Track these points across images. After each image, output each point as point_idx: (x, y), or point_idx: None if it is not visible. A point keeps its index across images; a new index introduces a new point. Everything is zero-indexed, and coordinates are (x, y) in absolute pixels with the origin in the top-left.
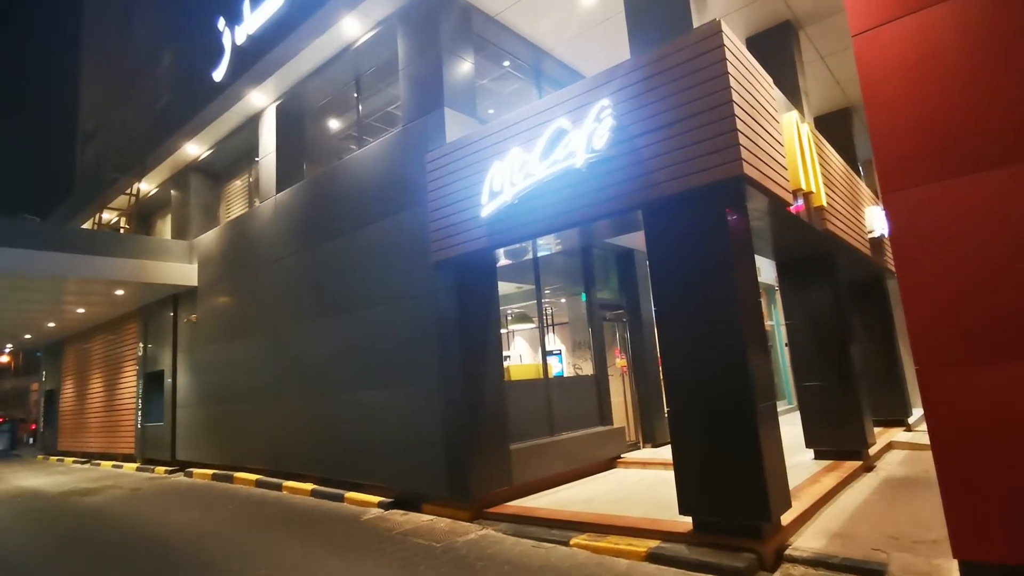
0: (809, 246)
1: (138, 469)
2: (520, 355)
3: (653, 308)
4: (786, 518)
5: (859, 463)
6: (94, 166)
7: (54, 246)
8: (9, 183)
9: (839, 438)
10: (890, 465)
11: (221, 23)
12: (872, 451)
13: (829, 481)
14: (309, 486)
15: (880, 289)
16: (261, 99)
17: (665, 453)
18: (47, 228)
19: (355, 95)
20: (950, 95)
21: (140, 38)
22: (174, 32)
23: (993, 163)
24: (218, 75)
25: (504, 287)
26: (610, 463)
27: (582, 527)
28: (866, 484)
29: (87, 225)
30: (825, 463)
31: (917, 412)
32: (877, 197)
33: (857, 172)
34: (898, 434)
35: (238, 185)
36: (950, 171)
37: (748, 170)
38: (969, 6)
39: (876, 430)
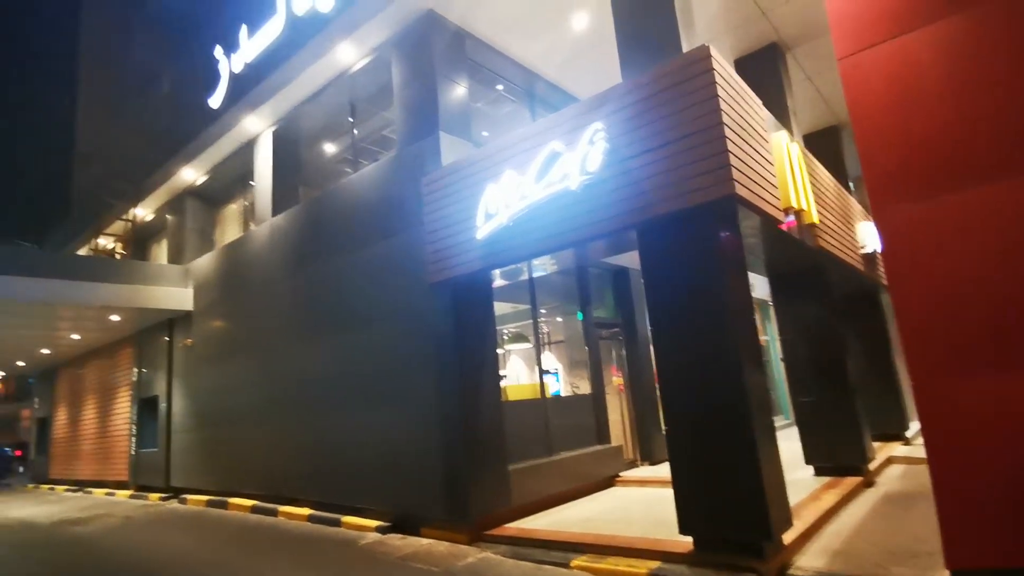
0: (802, 262)
1: (131, 496)
2: (517, 375)
3: (649, 327)
4: (788, 537)
5: (859, 479)
6: (91, 192)
7: (49, 273)
8: (5, 210)
9: (838, 454)
10: (889, 480)
11: (218, 51)
12: (872, 466)
13: (830, 498)
14: (306, 511)
15: (874, 303)
16: (257, 124)
17: (664, 471)
18: (42, 255)
19: (350, 120)
20: (932, 115)
21: (137, 65)
22: (171, 59)
23: (977, 180)
24: (214, 101)
25: (500, 307)
26: (608, 482)
27: (582, 548)
28: (866, 500)
29: (83, 251)
30: (825, 480)
31: (915, 426)
32: (868, 213)
33: (848, 188)
34: (897, 448)
35: (233, 209)
36: (937, 188)
37: (739, 190)
38: (945, 32)
39: (875, 445)
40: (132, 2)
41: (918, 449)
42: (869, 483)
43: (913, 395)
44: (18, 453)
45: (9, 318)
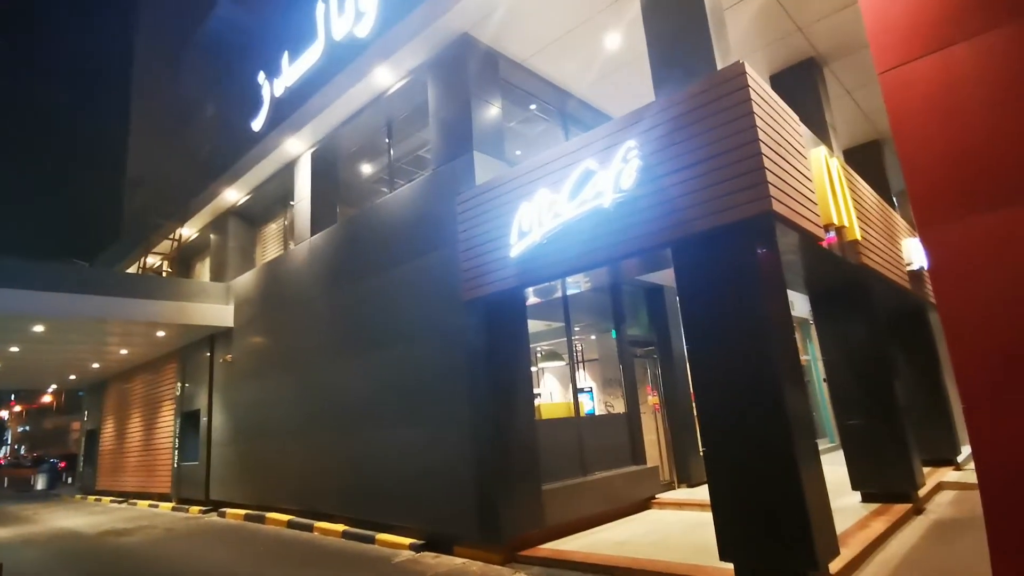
0: (844, 280)
1: (173, 509)
2: (551, 393)
3: (685, 346)
4: (834, 566)
5: (909, 506)
6: (140, 212)
7: (101, 290)
8: (60, 230)
9: (887, 479)
10: (940, 507)
11: (261, 76)
12: (922, 492)
13: (879, 526)
14: (340, 527)
15: (922, 322)
16: (297, 146)
17: (702, 494)
18: (94, 273)
19: (387, 140)
20: (974, 130)
21: (184, 92)
22: (216, 85)
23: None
24: (257, 125)
25: (534, 325)
26: (644, 504)
27: (617, 572)
28: (916, 528)
29: (132, 269)
30: (873, 506)
31: (966, 450)
32: (913, 229)
33: (891, 204)
34: (948, 474)
35: (273, 228)
36: (983, 203)
37: (777, 207)
38: (985, 46)
39: (925, 470)
40: (179, 34)
41: (969, 474)
42: (919, 510)
43: (964, 418)
44: (62, 465)
45: (63, 333)
